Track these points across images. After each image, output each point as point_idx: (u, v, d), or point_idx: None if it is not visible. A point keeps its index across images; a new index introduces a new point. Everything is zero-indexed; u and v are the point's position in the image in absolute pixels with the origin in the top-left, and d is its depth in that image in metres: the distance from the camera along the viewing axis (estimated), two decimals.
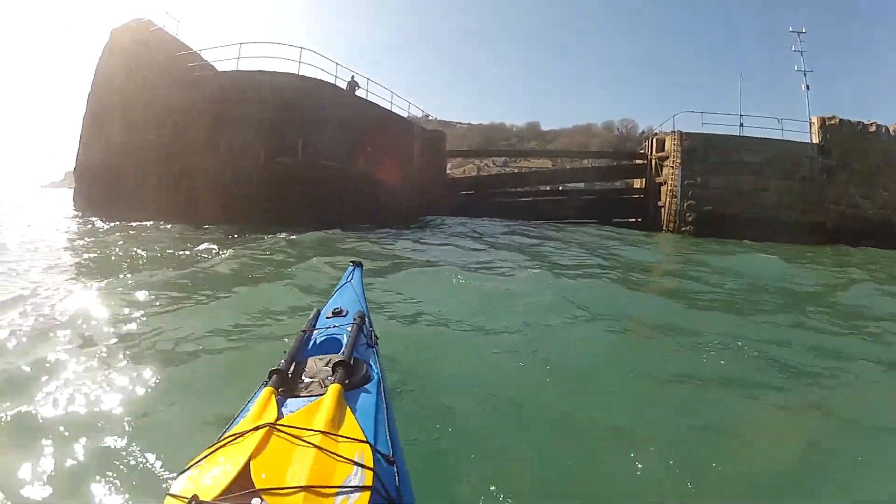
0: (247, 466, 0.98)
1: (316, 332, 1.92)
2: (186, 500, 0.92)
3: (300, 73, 12.86)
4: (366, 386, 1.47)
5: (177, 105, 13.32)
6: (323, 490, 0.93)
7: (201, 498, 0.92)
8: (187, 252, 7.24)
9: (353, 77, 14.81)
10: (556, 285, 5.86)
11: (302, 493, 0.91)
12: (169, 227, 10.51)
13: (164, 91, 13.70)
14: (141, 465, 1.97)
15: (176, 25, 15.72)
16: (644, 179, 18.56)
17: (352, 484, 0.97)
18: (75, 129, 16.50)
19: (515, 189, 20.28)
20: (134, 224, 10.66)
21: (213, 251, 7.19)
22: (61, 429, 2.17)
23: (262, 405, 1.28)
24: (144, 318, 3.70)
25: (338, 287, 2.65)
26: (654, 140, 18.09)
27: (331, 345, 1.80)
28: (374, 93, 15.15)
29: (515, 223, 14.66)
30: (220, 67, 13.92)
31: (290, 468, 0.99)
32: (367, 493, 0.95)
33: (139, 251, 7.19)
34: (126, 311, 3.84)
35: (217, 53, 14.37)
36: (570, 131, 51.58)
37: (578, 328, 4.16)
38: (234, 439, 1.11)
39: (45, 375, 2.67)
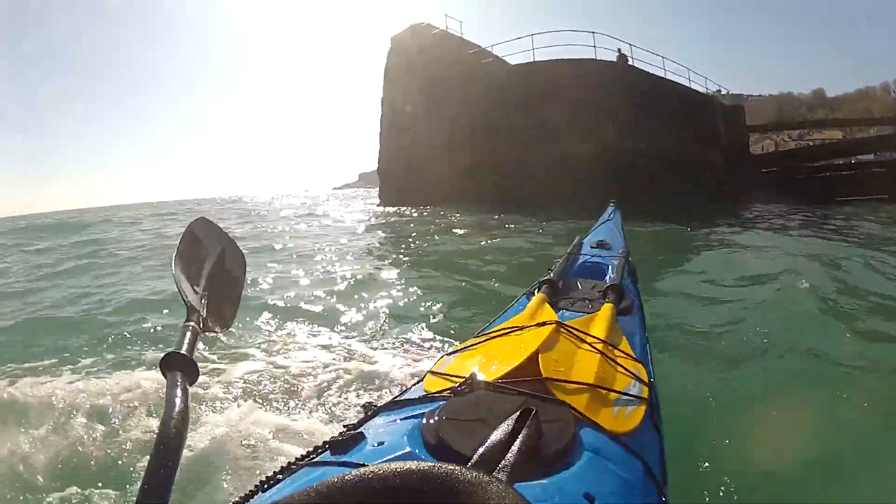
0: (534, 355, 0.97)
1: (581, 257, 2.02)
2: (461, 379, 0.90)
3: (597, 58, 12.81)
4: (629, 315, 1.47)
5: (478, 99, 14.29)
6: (607, 392, 0.93)
7: (479, 378, 0.89)
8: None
9: (619, 49, 14.33)
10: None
11: (587, 391, 0.90)
12: (470, 211, 11.62)
13: (464, 87, 14.73)
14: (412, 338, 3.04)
15: (458, 25, 16.78)
16: None
17: (632, 393, 0.96)
18: (364, 135, 19.11)
19: (814, 164, 16.85)
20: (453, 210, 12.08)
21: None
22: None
23: (537, 307, 1.33)
24: None
25: (598, 223, 2.78)
26: None
27: (594, 271, 1.88)
28: (670, 70, 14.16)
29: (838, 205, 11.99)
30: (511, 61, 14.69)
31: (576, 366, 0.99)
32: (644, 406, 0.94)
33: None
34: None
35: (506, 48, 15.29)
36: (853, 97, 47.59)
37: None
38: (514, 331, 1.15)
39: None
